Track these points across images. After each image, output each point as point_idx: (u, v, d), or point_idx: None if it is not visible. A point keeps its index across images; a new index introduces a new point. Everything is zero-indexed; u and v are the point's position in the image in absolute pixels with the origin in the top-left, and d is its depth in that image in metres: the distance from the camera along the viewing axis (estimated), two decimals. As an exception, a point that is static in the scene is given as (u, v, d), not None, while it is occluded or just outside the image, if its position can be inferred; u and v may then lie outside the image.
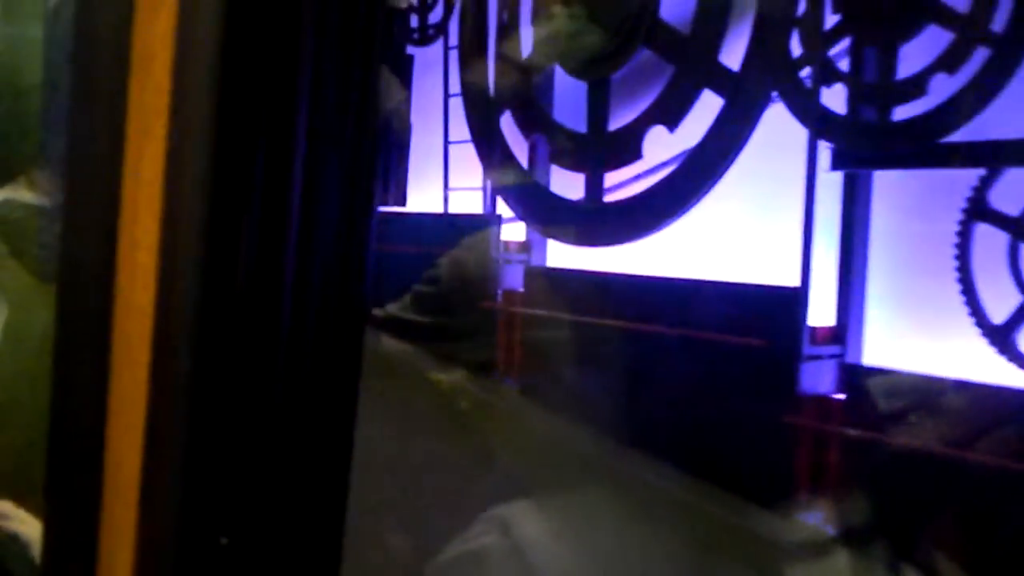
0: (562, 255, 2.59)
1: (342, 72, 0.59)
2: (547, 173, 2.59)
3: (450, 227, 2.69)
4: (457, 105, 2.83)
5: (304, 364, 0.62)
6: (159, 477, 0.65)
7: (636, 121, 2.41)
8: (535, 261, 2.52)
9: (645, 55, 2.40)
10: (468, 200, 2.83)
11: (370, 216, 0.63)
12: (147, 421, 0.65)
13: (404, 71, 3.07)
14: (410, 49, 3.15)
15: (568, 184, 2.58)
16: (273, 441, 0.63)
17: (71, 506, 0.76)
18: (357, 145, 0.60)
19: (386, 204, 2.92)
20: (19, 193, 3.13)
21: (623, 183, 2.45)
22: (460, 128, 2.86)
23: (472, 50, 2.85)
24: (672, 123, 2.32)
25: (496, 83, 2.77)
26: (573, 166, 2.57)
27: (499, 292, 2.52)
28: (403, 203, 3.00)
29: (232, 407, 0.62)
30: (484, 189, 2.72)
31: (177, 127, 0.62)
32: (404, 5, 3.14)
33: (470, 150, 2.73)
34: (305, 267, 0.59)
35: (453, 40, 2.96)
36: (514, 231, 2.64)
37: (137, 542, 0.66)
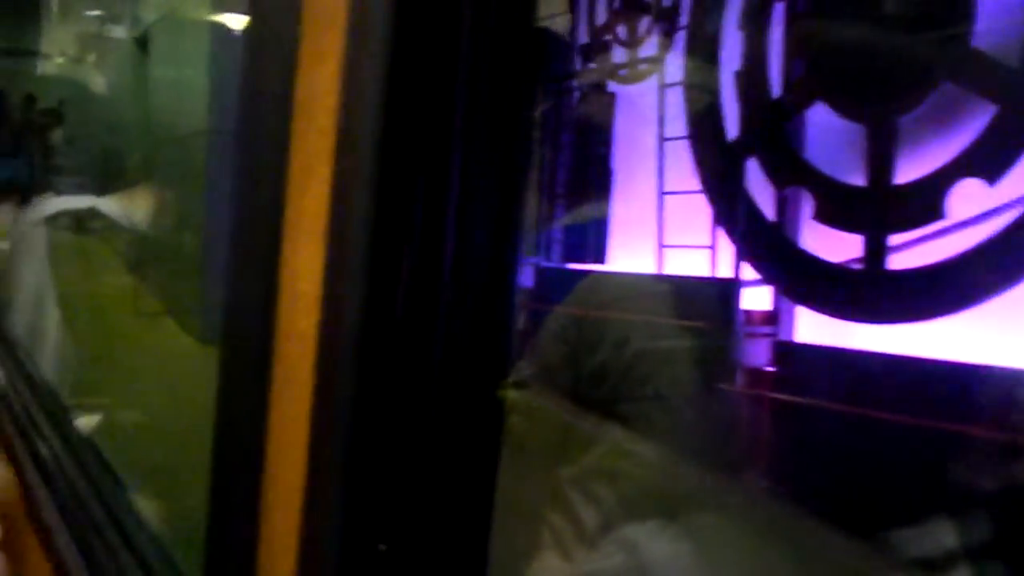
0: (817, 329, 2.17)
1: (497, 119, 0.66)
2: (800, 230, 2.19)
3: (676, 291, 2.34)
4: (675, 150, 2.42)
5: (455, 384, 0.68)
6: (321, 489, 0.72)
7: (938, 173, 1.97)
8: (783, 335, 2.24)
9: (945, 91, 1.95)
10: (687, 259, 2.40)
11: (515, 251, 0.69)
12: (309, 436, 0.72)
13: (605, 111, 2.66)
14: (612, 86, 2.77)
15: (828, 243, 2.12)
16: (426, 456, 0.69)
17: (233, 517, 0.84)
18: (504, 186, 0.66)
19: (581, 260, 2.55)
20: (107, 205, 3.32)
21: (910, 242, 1.95)
22: (677, 176, 2.43)
23: (704, 87, 2.43)
24: (992, 175, 1.89)
25: (739, 126, 2.31)
26: (847, 225, 2.07)
27: (739, 372, 2.13)
28: (602, 260, 2.61)
29: (388, 424, 0.68)
30: (713, 247, 2.32)
31: (340, 167, 0.69)
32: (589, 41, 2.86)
33: (690, 201, 2.33)
34: (457, 298, 0.66)
35: (670, 76, 2.54)
36: (755, 298, 2.25)
37: (299, 550, 0.73)
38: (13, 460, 1.45)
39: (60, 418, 1.70)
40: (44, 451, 1.50)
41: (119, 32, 3.98)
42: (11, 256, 2.64)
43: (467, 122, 0.62)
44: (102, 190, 3.27)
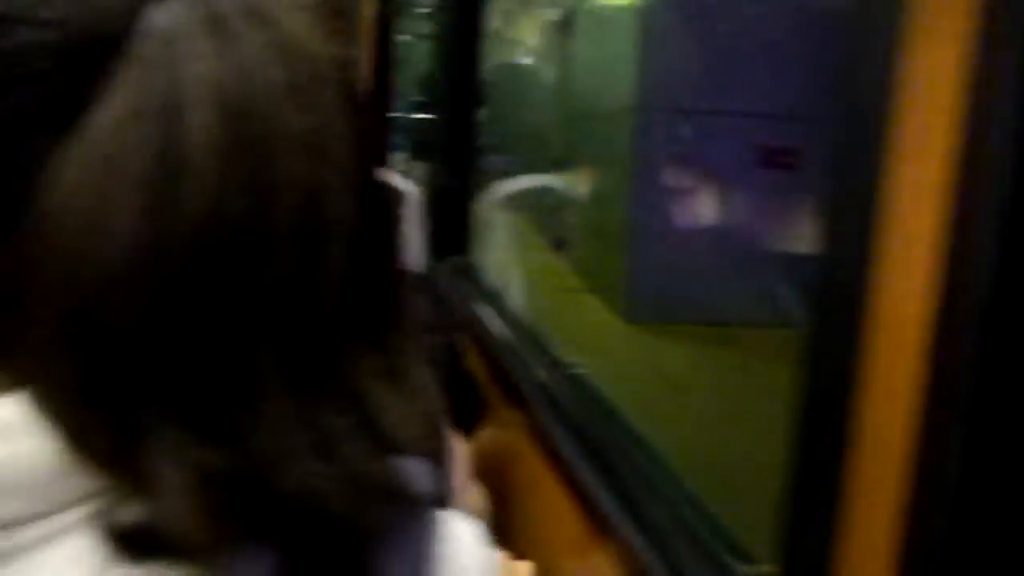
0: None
1: None
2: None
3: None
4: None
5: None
6: (926, 505, 0.64)
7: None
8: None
9: None
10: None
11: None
12: (913, 444, 0.65)
13: None
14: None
15: None
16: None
17: (810, 516, 0.78)
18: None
19: None
20: (554, 181, 3.40)
21: None
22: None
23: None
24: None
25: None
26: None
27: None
28: None
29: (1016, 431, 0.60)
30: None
31: (965, 135, 0.61)
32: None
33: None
34: None
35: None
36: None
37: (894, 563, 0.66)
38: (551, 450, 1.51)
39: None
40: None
41: (544, 12, 4.10)
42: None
43: None
44: (534, 168, 3.39)
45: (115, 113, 0.43)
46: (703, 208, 2.88)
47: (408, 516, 0.51)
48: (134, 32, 0.44)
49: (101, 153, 0.43)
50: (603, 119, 3.21)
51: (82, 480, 0.45)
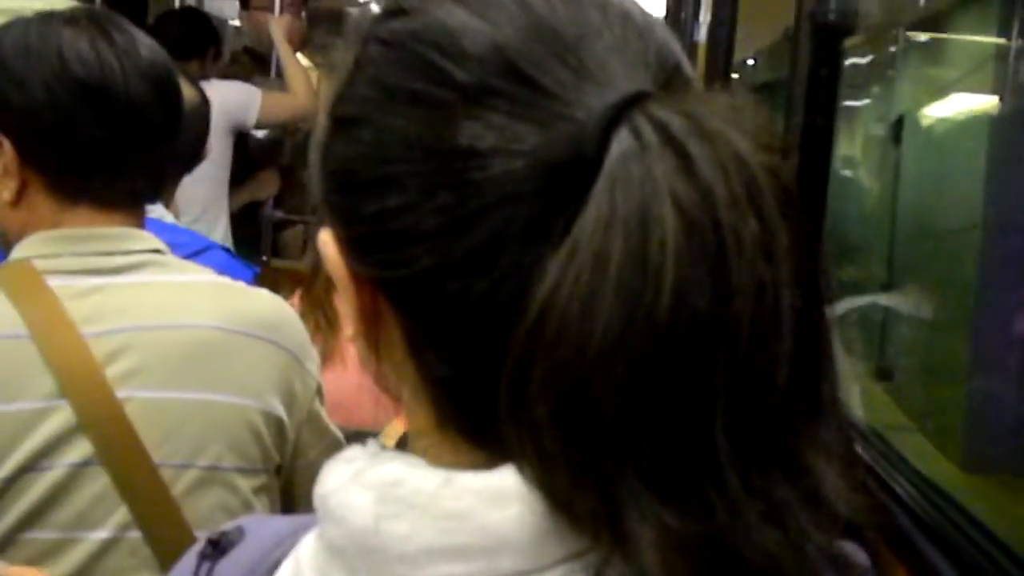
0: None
1: None
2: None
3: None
4: None
5: None
6: None
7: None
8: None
9: None
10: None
11: None
12: None
13: None
14: None
15: None
16: None
17: None
18: None
19: None
20: (880, 304, 3.09)
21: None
22: None
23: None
24: None
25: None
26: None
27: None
28: None
29: None
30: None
31: None
32: None
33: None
34: None
35: None
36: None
37: None
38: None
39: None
40: None
41: (865, 121, 3.87)
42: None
43: None
44: (855, 287, 3.15)
45: (592, 225, 0.52)
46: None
47: None
48: (604, 154, 0.53)
49: (583, 259, 0.52)
50: (941, 237, 2.91)
51: (566, 541, 0.53)
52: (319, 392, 1.67)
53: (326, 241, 0.63)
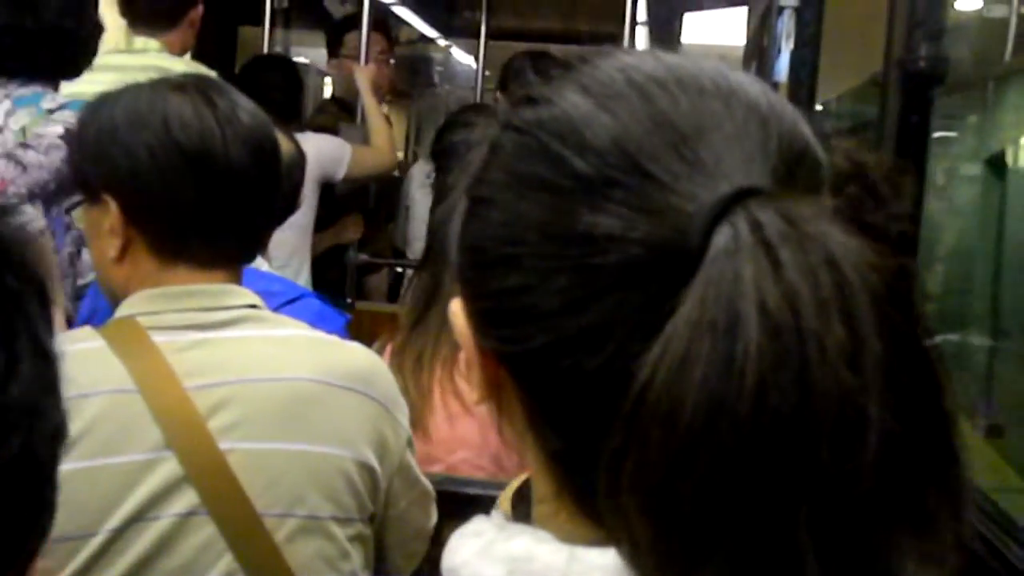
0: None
1: None
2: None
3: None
4: None
5: None
6: None
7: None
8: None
9: None
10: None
11: None
12: None
13: None
14: None
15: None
16: None
17: None
18: None
19: None
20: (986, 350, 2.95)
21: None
22: None
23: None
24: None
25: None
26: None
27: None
28: None
29: None
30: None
31: None
32: None
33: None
34: None
35: None
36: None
37: None
38: None
39: None
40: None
41: (956, 156, 3.81)
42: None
43: None
44: (954, 331, 3.07)
45: (683, 322, 0.54)
46: None
47: None
48: (706, 250, 0.55)
49: (673, 357, 0.54)
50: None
51: None
52: (409, 443, 1.72)
53: (456, 312, 0.67)
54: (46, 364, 0.57)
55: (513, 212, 0.61)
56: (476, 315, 0.65)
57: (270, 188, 1.68)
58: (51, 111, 2.55)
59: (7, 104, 2.52)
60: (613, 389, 0.56)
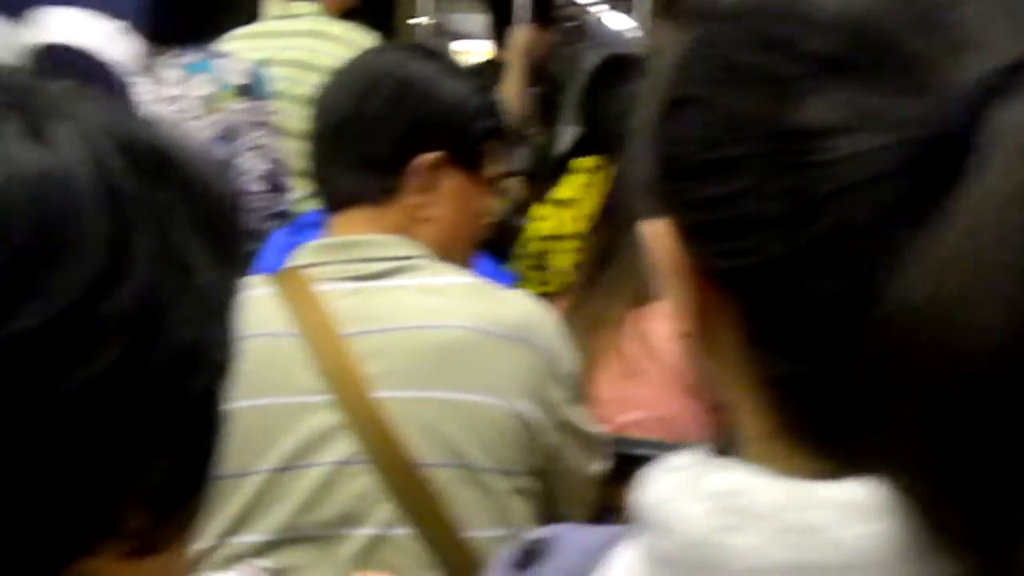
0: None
1: None
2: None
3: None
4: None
5: None
6: None
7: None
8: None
9: None
10: None
11: None
12: None
13: None
14: None
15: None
16: None
17: None
18: None
19: None
20: None
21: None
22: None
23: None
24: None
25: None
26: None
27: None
28: None
29: None
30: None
31: None
32: None
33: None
34: None
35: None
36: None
37: None
38: None
39: None
40: None
41: None
42: None
43: None
44: None
45: (973, 203, 0.47)
46: None
47: None
48: (981, 127, 0.48)
49: (962, 243, 0.46)
50: None
51: (935, 564, 0.48)
52: (574, 395, 1.69)
53: (656, 232, 0.59)
54: (175, 274, 0.53)
55: (724, 108, 0.55)
56: (687, 230, 0.58)
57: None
58: (239, 89, 2.61)
59: (177, 72, 2.59)
60: (862, 296, 0.50)
